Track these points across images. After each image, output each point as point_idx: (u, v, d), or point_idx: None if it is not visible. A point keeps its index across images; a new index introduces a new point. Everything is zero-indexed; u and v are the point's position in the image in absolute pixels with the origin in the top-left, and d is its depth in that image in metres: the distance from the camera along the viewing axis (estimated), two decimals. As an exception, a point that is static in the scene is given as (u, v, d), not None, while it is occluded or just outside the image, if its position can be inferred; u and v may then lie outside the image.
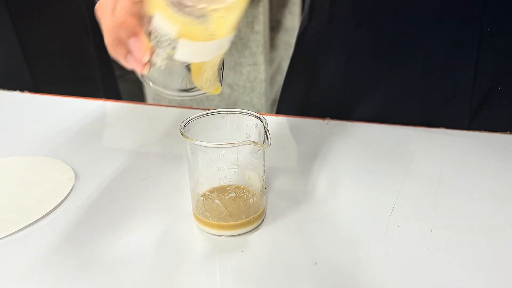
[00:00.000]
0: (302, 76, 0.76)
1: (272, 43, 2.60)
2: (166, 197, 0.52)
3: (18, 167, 0.58)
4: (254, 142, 0.42)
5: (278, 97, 0.82)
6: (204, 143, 0.42)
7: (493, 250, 0.43)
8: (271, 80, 2.36)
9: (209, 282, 0.41)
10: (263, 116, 0.46)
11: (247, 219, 0.45)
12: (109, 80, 1.07)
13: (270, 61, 2.33)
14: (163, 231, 0.47)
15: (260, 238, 0.45)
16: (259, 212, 0.46)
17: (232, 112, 0.47)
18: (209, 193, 0.45)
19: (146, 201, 0.51)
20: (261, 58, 2.16)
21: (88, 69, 0.99)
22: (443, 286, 0.40)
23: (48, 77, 0.91)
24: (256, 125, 0.46)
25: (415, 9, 0.62)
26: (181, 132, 0.43)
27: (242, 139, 0.46)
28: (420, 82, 0.66)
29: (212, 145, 0.42)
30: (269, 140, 0.43)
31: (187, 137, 0.42)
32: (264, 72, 2.19)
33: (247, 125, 0.47)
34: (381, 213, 0.48)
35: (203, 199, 0.45)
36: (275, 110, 0.82)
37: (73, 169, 0.57)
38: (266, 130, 0.44)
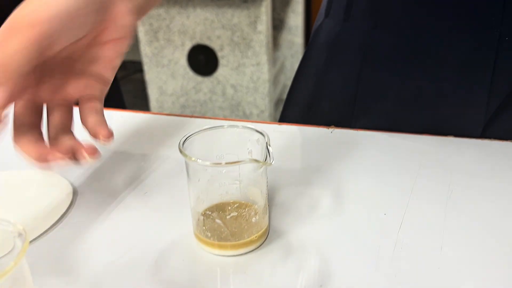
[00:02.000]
0: (313, 75, 0.74)
1: (275, 42, 2.58)
2: (166, 214, 0.50)
3: (15, 182, 0.56)
4: (256, 160, 0.40)
5: (282, 97, 0.80)
6: (204, 163, 0.40)
7: (509, 269, 0.41)
8: (274, 80, 2.34)
9: (210, 306, 0.39)
10: (265, 132, 0.44)
11: (249, 238, 0.43)
12: (112, 82, 1.05)
13: (273, 61, 2.31)
14: (163, 250, 0.45)
15: (263, 258, 0.44)
16: (261, 231, 0.44)
17: (233, 127, 0.46)
18: (210, 212, 0.44)
19: (146, 219, 0.50)
20: (264, 58, 2.14)
21: None
22: (455, 310, 0.38)
23: None
24: (258, 140, 0.44)
25: (431, 15, 0.60)
26: (180, 150, 0.41)
27: (244, 154, 0.45)
28: (434, 89, 0.64)
29: (212, 165, 0.40)
30: (272, 158, 0.41)
31: (186, 156, 0.41)
32: (268, 72, 2.17)
33: (249, 140, 0.45)
34: (388, 229, 0.46)
35: (203, 218, 0.44)
36: (280, 109, 0.80)
37: (71, 184, 0.55)
38: (268, 147, 0.42)
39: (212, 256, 0.44)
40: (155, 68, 2.28)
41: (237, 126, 0.46)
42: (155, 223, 0.49)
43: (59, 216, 0.50)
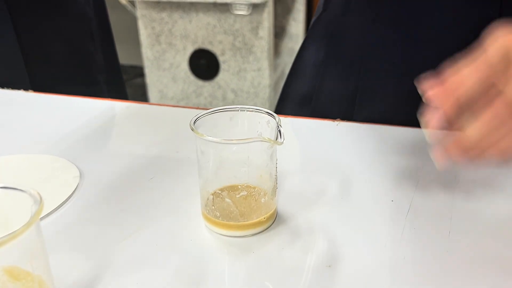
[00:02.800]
0: (311, 68, 0.74)
1: (276, 49, 2.59)
2: (173, 197, 0.50)
3: (21, 165, 0.56)
4: (266, 138, 0.40)
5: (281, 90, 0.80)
6: (214, 139, 0.40)
7: (515, 254, 0.41)
8: (275, 86, 2.35)
9: (218, 283, 0.39)
10: (275, 114, 0.44)
11: (258, 219, 0.43)
12: (115, 85, 1.05)
13: (274, 67, 2.32)
14: (170, 231, 0.45)
15: (271, 239, 0.44)
16: (270, 213, 0.44)
17: (243, 109, 0.46)
18: (219, 192, 0.44)
19: (152, 201, 0.50)
20: (265, 64, 2.15)
21: (93, 74, 0.97)
22: (464, 290, 0.38)
23: (49, 83, 0.89)
24: (268, 123, 0.45)
25: (433, 8, 0.61)
26: (191, 127, 0.42)
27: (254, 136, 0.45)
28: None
29: (222, 141, 0.40)
30: (282, 137, 0.41)
31: (197, 133, 0.41)
32: (268, 77, 2.18)
33: (259, 123, 0.45)
34: (396, 215, 0.47)
35: (213, 197, 0.44)
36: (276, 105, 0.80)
37: (78, 168, 0.55)
38: (279, 127, 0.42)
39: (220, 237, 0.44)
40: (156, 72, 2.28)
41: (247, 109, 0.46)
42: (162, 205, 0.49)
43: (66, 197, 0.50)
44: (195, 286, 0.38)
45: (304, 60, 0.77)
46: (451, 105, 0.39)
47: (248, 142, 0.40)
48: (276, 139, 0.42)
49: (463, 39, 0.61)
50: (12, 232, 0.28)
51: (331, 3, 0.71)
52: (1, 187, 0.32)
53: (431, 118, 0.40)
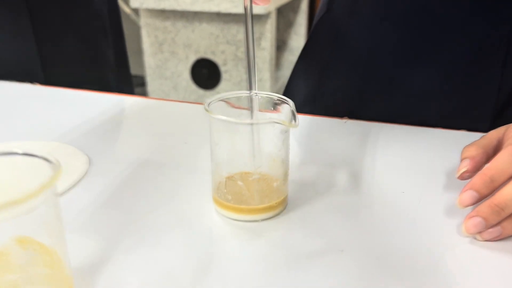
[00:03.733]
0: (313, 70, 0.74)
1: (277, 62, 2.61)
2: (183, 183, 0.50)
3: (32, 150, 0.56)
4: (282, 120, 0.40)
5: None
6: (229, 119, 0.40)
7: (527, 243, 0.41)
8: (276, 97, 2.35)
9: (227, 267, 0.39)
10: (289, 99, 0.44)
11: (269, 203, 0.43)
12: (124, 84, 1.06)
13: (275, 79, 2.33)
14: (180, 215, 0.45)
15: (282, 224, 0.44)
16: (282, 198, 0.44)
17: (257, 95, 0.46)
18: (232, 175, 0.44)
19: (162, 186, 0.50)
20: (266, 75, 2.16)
21: (104, 71, 0.98)
22: (474, 277, 0.38)
23: (62, 79, 0.89)
24: (282, 108, 0.45)
25: (442, 8, 0.61)
26: (205, 109, 0.42)
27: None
28: (442, 84, 0.64)
29: (236, 121, 0.40)
30: (297, 121, 0.41)
31: (211, 113, 0.41)
32: (270, 89, 2.19)
33: (272, 108, 0.45)
34: (407, 206, 0.46)
35: (225, 180, 0.44)
36: None
37: (87, 156, 0.55)
38: (293, 111, 0.42)
39: (230, 221, 0.44)
40: (158, 80, 2.29)
41: (261, 95, 0.46)
42: (171, 190, 0.49)
43: (75, 181, 0.49)
44: (204, 269, 0.38)
45: (308, 60, 0.77)
46: (489, 193, 0.41)
47: (263, 123, 0.40)
48: (290, 122, 0.42)
49: (473, 38, 0.61)
50: (27, 194, 0.28)
51: (336, 3, 0.71)
52: (21, 154, 0.32)
53: (466, 199, 0.41)
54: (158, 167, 0.53)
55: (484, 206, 0.40)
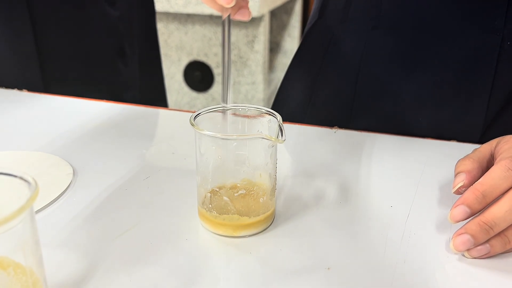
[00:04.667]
0: (305, 77, 0.73)
1: (270, 64, 2.60)
2: (169, 196, 0.49)
3: (13, 161, 0.55)
4: (268, 136, 0.40)
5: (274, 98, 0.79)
6: (215, 134, 0.39)
7: (516, 260, 0.41)
8: (268, 100, 2.35)
9: (213, 284, 0.38)
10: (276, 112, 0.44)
11: (255, 219, 0.42)
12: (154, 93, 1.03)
13: (268, 81, 2.33)
14: (165, 230, 0.44)
15: (269, 240, 0.43)
16: (268, 213, 0.43)
17: (244, 108, 0.45)
18: (217, 189, 0.43)
19: (147, 200, 0.49)
20: (259, 78, 2.16)
21: (119, 91, 0.93)
22: (466, 295, 0.37)
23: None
24: (269, 122, 0.44)
25: (435, 17, 0.61)
26: (191, 123, 0.41)
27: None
28: (433, 92, 0.64)
29: (223, 136, 0.40)
30: (284, 135, 0.41)
31: (197, 128, 0.40)
32: (263, 91, 2.18)
33: (260, 123, 0.45)
34: (396, 220, 0.46)
35: (210, 195, 0.43)
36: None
37: (72, 166, 0.54)
38: (281, 125, 0.42)
39: (217, 237, 0.43)
40: (150, 82, 2.28)
41: (248, 108, 0.45)
42: (157, 204, 0.48)
43: (59, 193, 0.48)
44: (190, 286, 0.37)
45: (300, 67, 0.76)
46: (481, 208, 0.40)
47: (249, 138, 0.40)
48: (277, 138, 0.41)
49: (464, 47, 0.61)
50: (4, 217, 0.27)
51: (328, 10, 0.70)
52: (-5, 173, 0.31)
53: (458, 214, 0.41)
54: (143, 179, 0.52)
55: (473, 223, 0.40)
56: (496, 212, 0.39)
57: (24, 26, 0.79)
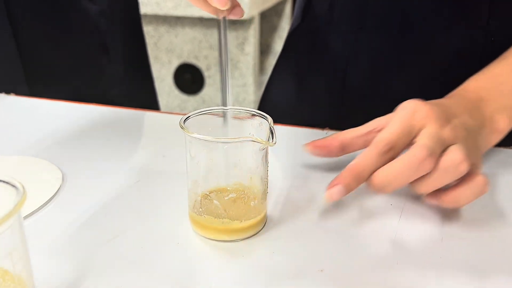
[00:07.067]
0: (292, 79, 0.73)
1: (261, 66, 2.60)
2: (159, 200, 0.49)
3: (0, 166, 0.54)
4: (259, 139, 0.39)
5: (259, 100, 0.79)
6: (205, 137, 0.39)
7: (509, 259, 0.41)
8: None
9: (206, 288, 0.37)
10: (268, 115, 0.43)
11: (247, 223, 0.42)
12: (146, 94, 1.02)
13: (259, 83, 2.33)
14: (156, 234, 0.44)
15: (261, 243, 0.42)
16: (260, 216, 0.43)
17: (234, 111, 0.45)
18: (208, 193, 0.43)
19: (138, 203, 0.48)
20: (250, 80, 2.15)
21: (105, 88, 0.93)
22: (459, 296, 0.37)
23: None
24: (260, 124, 0.44)
25: (419, 17, 0.61)
26: (181, 126, 0.40)
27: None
28: (421, 92, 0.64)
29: (213, 140, 0.39)
30: (275, 138, 0.41)
31: (187, 131, 0.40)
32: (253, 94, 2.18)
33: (251, 125, 0.44)
34: (388, 221, 0.46)
35: (200, 199, 0.42)
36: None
37: (61, 170, 0.53)
38: (272, 128, 0.41)
39: (208, 241, 0.43)
40: (140, 85, 2.27)
41: (239, 111, 0.45)
42: (147, 208, 0.47)
43: (48, 198, 0.48)
44: (182, 290, 0.37)
45: (283, 70, 0.76)
46: (354, 186, 0.44)
47: (240, 141, 0.39)
48: (268, 140, 0.41)
49: (450, 47, 0.61)
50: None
51: (310, 13, 0.70)
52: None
53: (334, 194, 0.43)
54: (134, 182, 0.52)
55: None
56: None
57: (2, 25, 0.78)
